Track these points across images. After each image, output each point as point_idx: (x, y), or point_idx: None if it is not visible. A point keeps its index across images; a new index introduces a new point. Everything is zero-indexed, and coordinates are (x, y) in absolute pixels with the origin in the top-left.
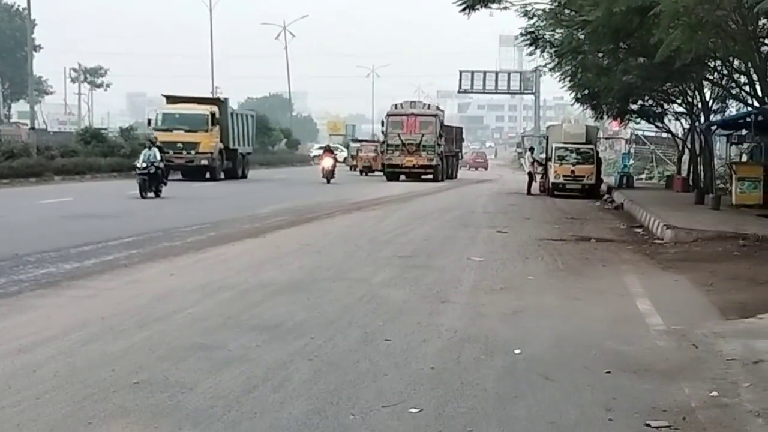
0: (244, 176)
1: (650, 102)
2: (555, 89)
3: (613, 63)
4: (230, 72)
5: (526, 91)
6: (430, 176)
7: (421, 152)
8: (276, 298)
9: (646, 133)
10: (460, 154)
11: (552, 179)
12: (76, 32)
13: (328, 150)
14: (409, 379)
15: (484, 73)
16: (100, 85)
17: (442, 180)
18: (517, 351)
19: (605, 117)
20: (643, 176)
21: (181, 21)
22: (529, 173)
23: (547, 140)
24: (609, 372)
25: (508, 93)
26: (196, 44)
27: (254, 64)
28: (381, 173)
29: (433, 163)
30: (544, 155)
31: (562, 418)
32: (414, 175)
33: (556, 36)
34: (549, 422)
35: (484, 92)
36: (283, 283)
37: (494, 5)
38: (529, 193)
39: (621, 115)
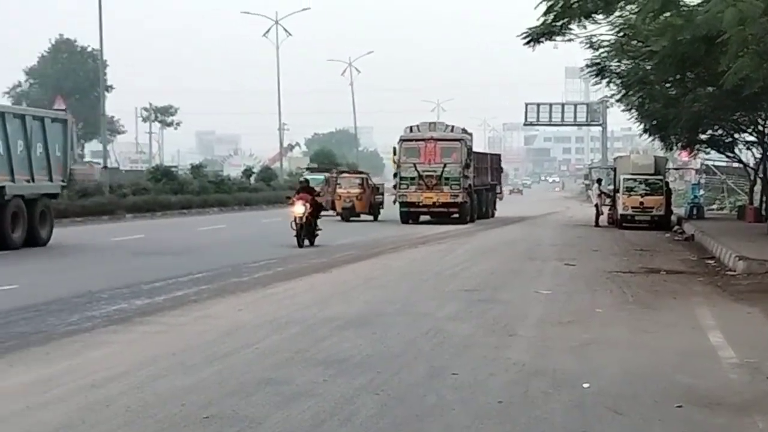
0: (37, 242)
1: (720, 132)
2: (622, 120)
3: (681, 93)
4: (297, 108)
5: (593, 123)
6: (456, 215)
7: (443, 186)
8: (342, 333)
9: (716, 163)
10: (498, 187)
11: (620, 211)
12: (147, 72)
13: (306, 189)
14: (476, 413)
15: (550, 105)
16: (170, 124)
17: (472, 221)
18: (585, 384)
19: (674, 147)
20: (714, 207)
21: (249, 59)
22: (597, 205)
23: (614, 171)
24: (680, 406)
25: (575, 125)
26: (264, 81)
27: (320, 99)
28: (370, 216)
29: (459, 200)
30: (611, 187)
31: None
32: (435, 214)
33: (622, 67)
34: None
35: (550, 124)
36: (349, 318)
37: (559, 38)
38: (596, 225)
39: (690, 146)
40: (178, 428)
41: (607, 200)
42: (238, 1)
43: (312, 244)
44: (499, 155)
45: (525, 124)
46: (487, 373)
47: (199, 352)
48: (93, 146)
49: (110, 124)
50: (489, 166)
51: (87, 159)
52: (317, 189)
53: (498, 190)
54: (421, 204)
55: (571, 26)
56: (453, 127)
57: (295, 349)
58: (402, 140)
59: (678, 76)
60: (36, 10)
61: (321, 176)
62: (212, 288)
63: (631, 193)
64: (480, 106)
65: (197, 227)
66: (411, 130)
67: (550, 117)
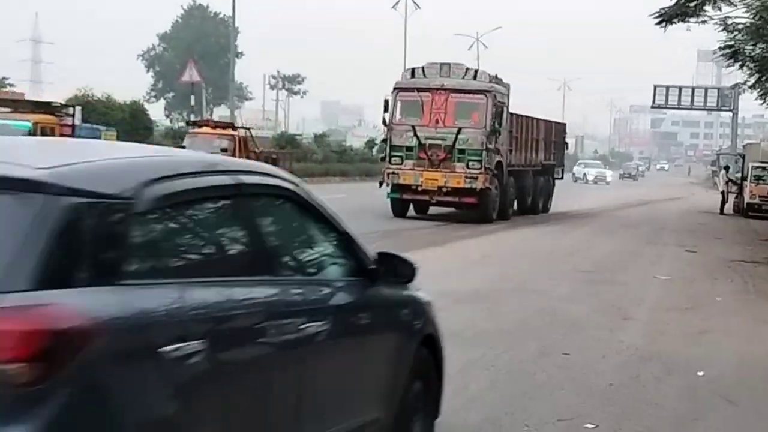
0: None
1: None
2: (755, 106)
3: None
4: None
5: (723, 108)
6: (474, 206)
7: (456, 162)
8: (457, 307)
9: None
10: (559, 170)
11: (747, 199)
12: (276, 41)
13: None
14: (586, 394)
15: (680, 88)
16: (296, 93)
17: (504, 217)
18: (699, 372)
19: None
20: None
21: (378, 31)
22: (723, 192)
23: (743, 159)
24: None
25: (705, 109)
26: (390, 53)
27: None
28: None
29: (478, 184)
30: (739, 174)
31: None
32: (442, 204)
33: (757, 50)
34: None
35: (678, 108)
36: (464, 293)
37: (692, 19)
38: (722, 212)
39: None
40: None
41: (734, 188)
42: None
43: None
44: (563, 125)
45: (653, 107)
46: (598, 354)
47: None
48: (221, 111)
49: (238, 90)
50: (542, 137)
51: None
52: None
53: (558, 174)
54: (420, 188)
55: (705, 7)
56: (477, 71)
57: None
58: (398, 89)
59: None
60: None
61: (24, 122)
62: None
63: (760, 181)
64: (607, 87)
65: (318, 195)
66: (413, 75)
67: (679, 100)
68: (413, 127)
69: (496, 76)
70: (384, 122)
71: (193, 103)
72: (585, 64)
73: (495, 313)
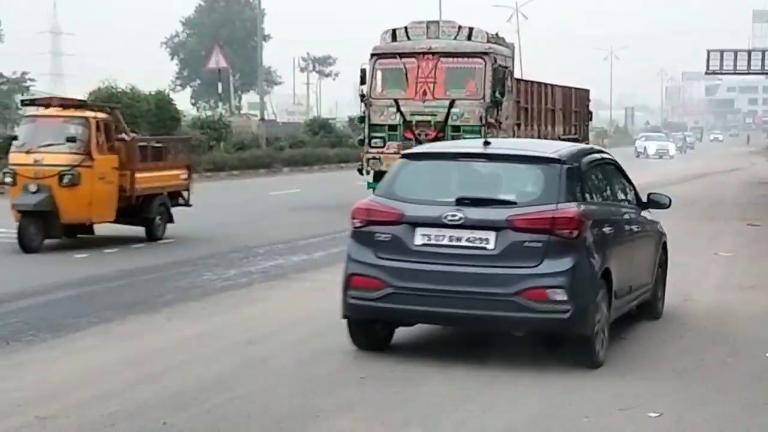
0: None
1: None
2: None
3: None
4: None
5: None
6: None
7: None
8: None
9: None
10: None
11: None
12: (305, 21)
13: None
14: (648, 381)
15: (735, 51)
16: (328, 75)
17: None
18: (767, 354)
19: None
20: None
21: (411, 6)
22: None
23: None
24: None
25: (763, 73)
26: None
27: None
28: (141, 228)
29: None
30: None
31: None
32: None
33: None
34: None
35: (735, 73)
36: None
37: None
38: None
39: None
40: (333, 387)
41: None
42: None
43: None
44: (586, 91)
45: (707, 73)
46: (660, 339)
47: None
48: (250, 98)
49: (267, 75)
50: (559, 107)
51: (244, 111)
52: None
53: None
54: None
55: None
56: (472, 29)
57: None
58: (376, 55)
59: None
60: None
61: None
62: None
63: None
64: (657, 54)
65: (355, 181)
66: (394, 37)
67: (735, 65)
68: (396, 101)
69: (496, 35)
70: (362, 97)
71: (220, 90)
72: (632, 31)
73: None
